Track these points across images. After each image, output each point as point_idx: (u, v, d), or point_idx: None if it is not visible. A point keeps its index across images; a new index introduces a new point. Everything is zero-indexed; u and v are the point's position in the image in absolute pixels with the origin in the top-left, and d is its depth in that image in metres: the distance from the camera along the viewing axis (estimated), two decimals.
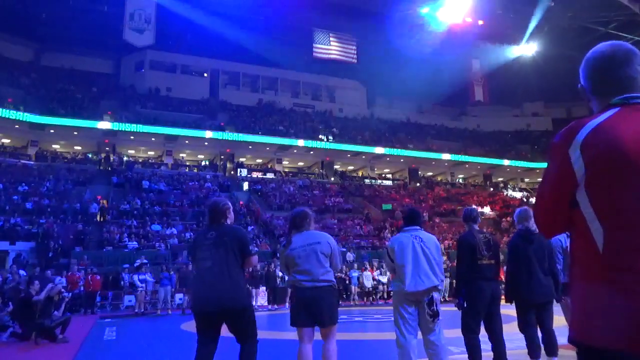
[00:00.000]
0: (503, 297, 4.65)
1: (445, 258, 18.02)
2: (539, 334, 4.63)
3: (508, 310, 4.70)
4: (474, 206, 4.51)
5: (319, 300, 3.88)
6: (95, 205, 23.34)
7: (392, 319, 4.26)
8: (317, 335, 4.02)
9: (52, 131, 30.32)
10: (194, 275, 3.93)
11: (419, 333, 4.14)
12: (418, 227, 4.32)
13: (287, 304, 15.33)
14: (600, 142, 1.28)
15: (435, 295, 4.09)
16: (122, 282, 16.26)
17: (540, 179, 1.50)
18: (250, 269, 14.45)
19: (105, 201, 24.55)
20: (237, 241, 3.80)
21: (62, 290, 8.95)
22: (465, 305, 4.39)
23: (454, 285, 14.09)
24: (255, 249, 3.95)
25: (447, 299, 15.53)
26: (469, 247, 4.43)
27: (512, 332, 4.68)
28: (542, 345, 4.58)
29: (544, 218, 1.46)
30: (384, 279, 18.05)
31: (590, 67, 1.45)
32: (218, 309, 3.63)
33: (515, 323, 4.73)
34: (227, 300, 3.63)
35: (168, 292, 14.63)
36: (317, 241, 4.01)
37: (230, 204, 4.10)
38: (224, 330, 3.78)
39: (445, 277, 15.37)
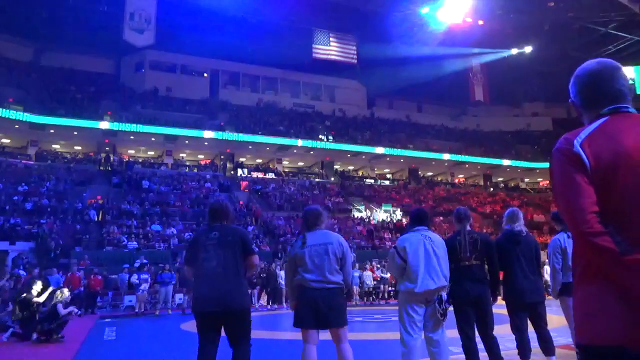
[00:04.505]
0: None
1: None
2: (534, 335, 4.61)
3: (505, 310, 4.69)
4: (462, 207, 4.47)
5: (326, 301, 3.82)
6: (94, 211, 23.11)
7: (396, 318, 4.23)
8: (323, 336, 3.99)
9: (52, 131, 30.31)
10: (196, 275, 3.85)
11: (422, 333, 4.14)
12: (426, 227, 4.31)
13: (284, 305, 15.27)
14: (596, 144, 1.36)
15: (444, 294, 4.11)
16: (122, 282, 16.26)
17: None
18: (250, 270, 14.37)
19: (101, 201, 24.50)
20: (241, 241, 3.83)
21: (72, 310, 8.86)
22: (450, 305, 4.35)
23: None
24: (256, 248, 3.95)
25: None
26: (448, 249, 4.39)
27: (509, 333, 4.67)
28: (532, 348, 4.55)
29: (582, 224, 1.31)
30: (387, 275, 17.75)
31: (580, 83, 1.56)
32: (222, 309, 3.61)
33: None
34: (231, 300, 3.63)
35: (169, 292, 14.62)
36: (330, 241, 3.97)
37: (230, 204, 4.13)
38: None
39: None
